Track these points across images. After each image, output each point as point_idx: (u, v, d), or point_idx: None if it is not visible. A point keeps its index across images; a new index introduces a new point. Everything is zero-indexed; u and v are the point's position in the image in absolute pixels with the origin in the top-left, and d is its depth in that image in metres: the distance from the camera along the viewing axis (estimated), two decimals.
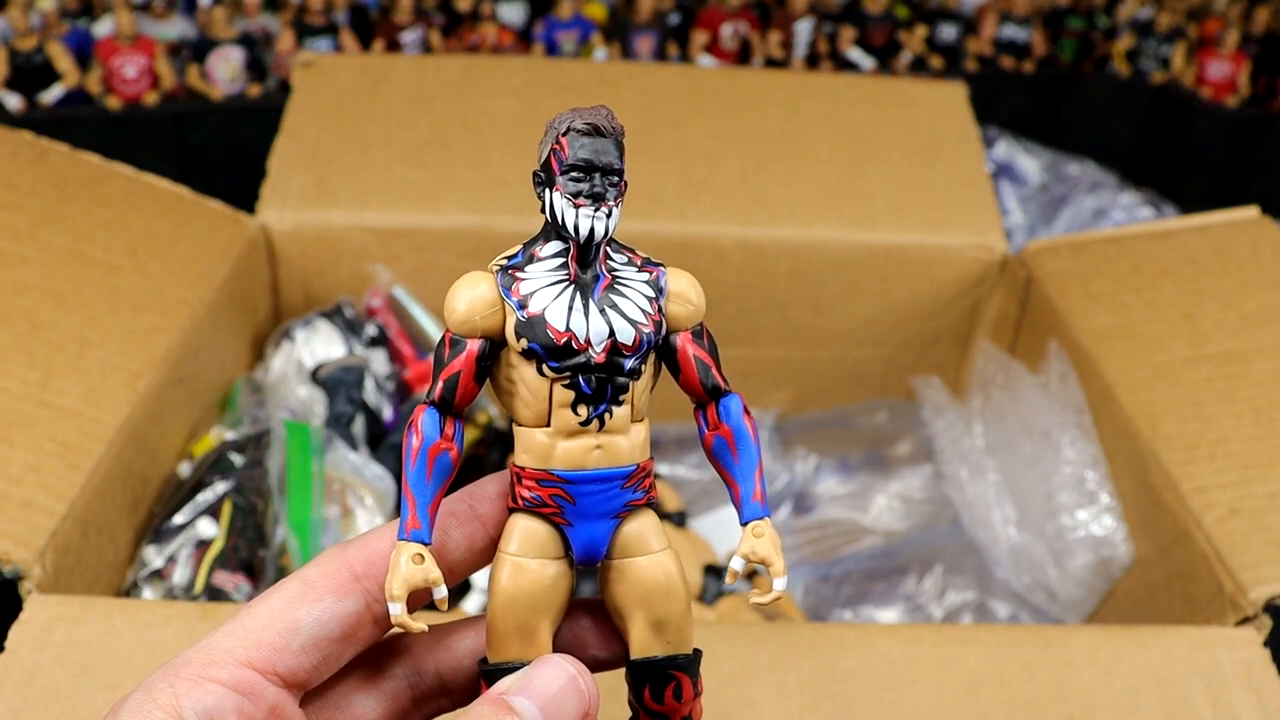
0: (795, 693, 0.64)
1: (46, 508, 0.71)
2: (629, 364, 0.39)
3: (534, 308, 0.39)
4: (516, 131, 1.13)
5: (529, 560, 0.40)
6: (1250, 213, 1.05)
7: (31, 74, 1.63)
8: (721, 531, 1.04)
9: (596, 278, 0.40)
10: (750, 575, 0.96)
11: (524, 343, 0.39)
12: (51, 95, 1.63)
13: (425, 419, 0.40)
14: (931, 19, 1.99)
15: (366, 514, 0.86)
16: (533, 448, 0.40)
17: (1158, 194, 1.73)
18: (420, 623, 0.39)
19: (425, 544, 0.39)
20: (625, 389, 0.40)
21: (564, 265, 0.40)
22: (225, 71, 1.70)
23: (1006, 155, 1.72)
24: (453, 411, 0.41)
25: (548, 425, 0.40)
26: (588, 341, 0.39)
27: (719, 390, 0.42)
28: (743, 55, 1.91)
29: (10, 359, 0.79)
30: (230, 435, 0.88)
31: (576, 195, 0.39)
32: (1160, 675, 0.66)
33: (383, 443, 0.96)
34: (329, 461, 0.88)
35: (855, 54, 1.94)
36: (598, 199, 0.39)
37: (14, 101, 1.61)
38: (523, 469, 0.40)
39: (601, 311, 0.39)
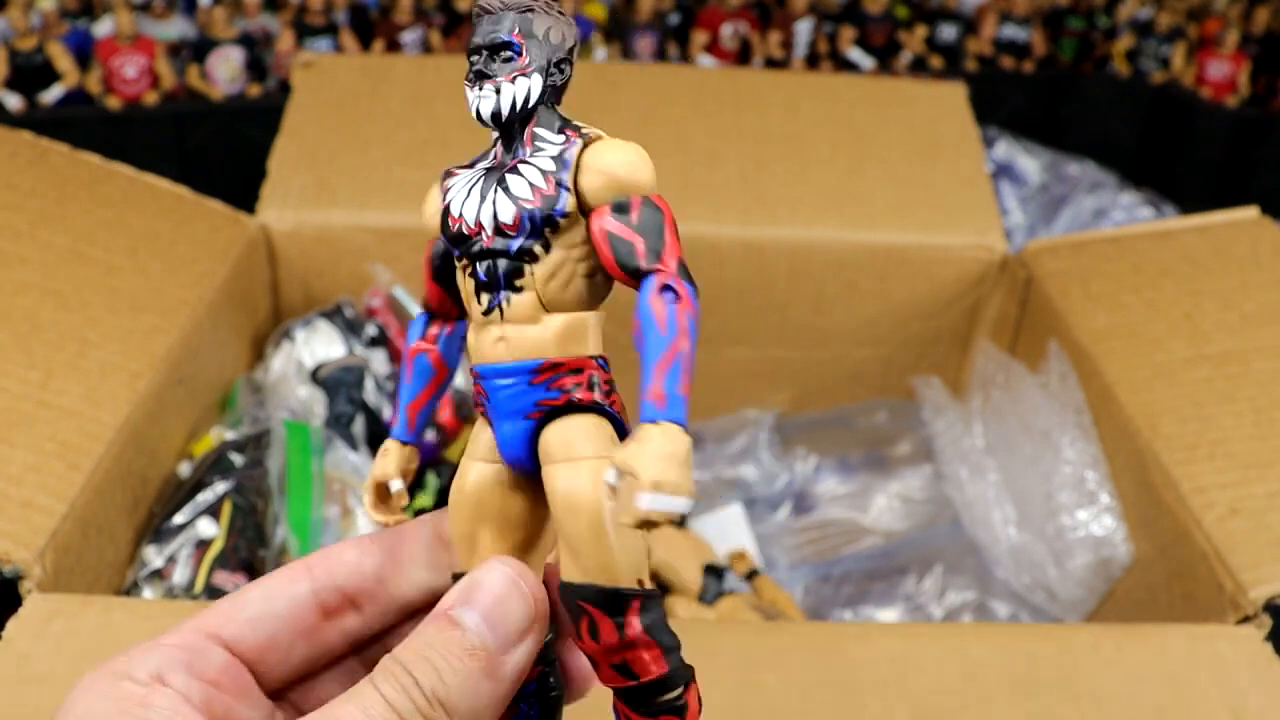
0: (798, 678, 0.64)
1: (46, 508, 0.71)
2: (514, 245, 0.36)
3: (448, 199, 0.38)
4: None
5: (469, 462, 0.38)
6: (1250, 213, 1.05)
7: (31, 74, 1.63)
8: (721, 532, 1.03)
9: (513, 162, 0.37)
10: (750, 575, 0.96)
11: (441, 237, 0.38)
12: (51, 95, 1.63)
13: (413, 324, 0.41)
14: (931, 19, 1.99)
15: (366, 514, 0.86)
16: (469, 344, 0.39)
17: (1158, 194, 1.73)
18: (388, 515, 0.41)
19: (400, 441, 0.41)
20: (519, 273, 0.36)
21: (495, 155, 0.38)
22: (225, 71, 1.70)
23: (1006, 155, 1.72)
24: (437, 313, 0.41)
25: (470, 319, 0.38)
26: (479, 225, 0.36)
27: (640, 272, 0.35)
28: (743, 55, 1.91)
29: (10, 359, 0.79)
30: (230, 435, 0.88)
31: (467, 78, 0.38)
32: (1165, 665, 0.66)
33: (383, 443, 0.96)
34: (329, 461, 0.88)
35: (855, 54, 1.94)
36: (480, 77, 0.37)
37: (14, 101, 1.61)
38: None
39: (494, 193, 0.37)
